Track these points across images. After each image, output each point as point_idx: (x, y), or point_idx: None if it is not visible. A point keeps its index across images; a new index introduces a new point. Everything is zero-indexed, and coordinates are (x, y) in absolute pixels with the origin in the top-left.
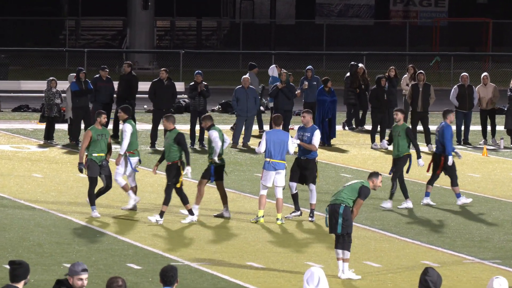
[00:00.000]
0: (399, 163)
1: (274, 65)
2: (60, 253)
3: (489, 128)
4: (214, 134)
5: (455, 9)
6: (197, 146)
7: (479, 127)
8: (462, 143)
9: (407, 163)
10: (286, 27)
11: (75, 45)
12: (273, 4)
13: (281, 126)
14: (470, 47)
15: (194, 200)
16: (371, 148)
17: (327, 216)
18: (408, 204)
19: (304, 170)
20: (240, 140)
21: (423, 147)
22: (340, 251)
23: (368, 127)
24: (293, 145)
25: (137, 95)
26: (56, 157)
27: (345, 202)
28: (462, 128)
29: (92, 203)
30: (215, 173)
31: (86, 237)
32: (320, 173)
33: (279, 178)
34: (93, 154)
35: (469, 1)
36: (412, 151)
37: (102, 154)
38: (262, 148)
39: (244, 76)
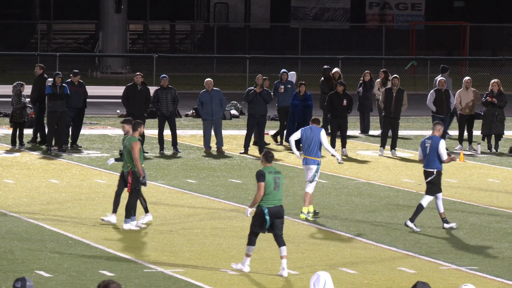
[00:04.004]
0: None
1: (293, 72)
2: (32, 260)
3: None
4: None
5: (431, 13)
6: (170, 152)
7: (455, 132)
8: None
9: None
10: (261, 30)
11: (47, 49)
12: (247, 8)
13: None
14: (447, 51)
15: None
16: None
17: (268, 218)
18: (112, 218)
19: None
20: (214, 146)
21: (387, 151)
22: (284, 248)
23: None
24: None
25: (110, 100)
26: (27, 163)
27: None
28: None
29: (129, 215)
30: None
31: (58, 244)
32: (295, 179)
33: (309, 174)
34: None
35: (446, 4)
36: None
37: (143, 165)
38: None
39: (206, 79)
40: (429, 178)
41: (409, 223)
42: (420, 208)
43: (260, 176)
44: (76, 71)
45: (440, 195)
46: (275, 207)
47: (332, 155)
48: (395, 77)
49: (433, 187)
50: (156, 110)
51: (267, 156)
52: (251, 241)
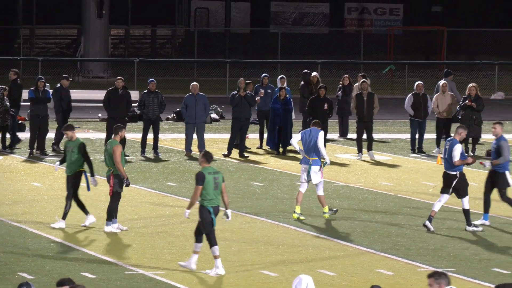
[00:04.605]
0: (73, 181)
1: (281, 76)
2: (15, 262)
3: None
4: None
5: (409, 18)
6: (151, 155)
7: (433, 136)
8: (416, 151)
9: (82, 180)
10: (240, 35)
11: (30, 54)
12: (227, 13)
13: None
14: (425, 56)
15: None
16: None
17: (214, 216)
18: (90, 219)
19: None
20: (196, 150)
21: (365, 155)
22: (216, 247)
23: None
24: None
25: (91, 104)
26: (10, 166)
27: None
28: (417, 136)
29: (110, 218)
30: None
31: (40, 246)
32: (275, 182)
33: (304, 175)
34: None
35: (423, 9)
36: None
37: (125, 168)
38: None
39: (192, 83)
40: (454, 183)
41: (469, 228)
42: (466, 212)
43: (199, 179)
44: (66, 75)
45: (446, 197)
46: (216, 207)
47: (322, 157)
48: (364, 81)
49: (463, 188)
50: (142, 113)
51: (207, 156)
52: (199, 239)
